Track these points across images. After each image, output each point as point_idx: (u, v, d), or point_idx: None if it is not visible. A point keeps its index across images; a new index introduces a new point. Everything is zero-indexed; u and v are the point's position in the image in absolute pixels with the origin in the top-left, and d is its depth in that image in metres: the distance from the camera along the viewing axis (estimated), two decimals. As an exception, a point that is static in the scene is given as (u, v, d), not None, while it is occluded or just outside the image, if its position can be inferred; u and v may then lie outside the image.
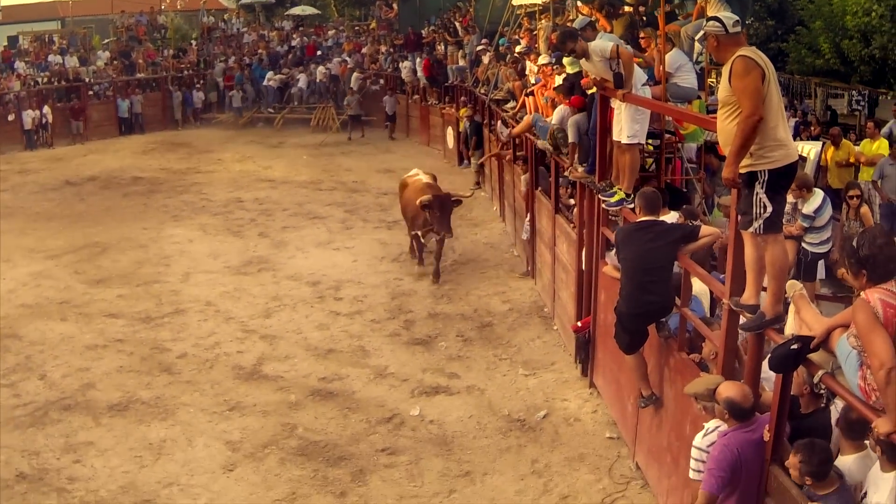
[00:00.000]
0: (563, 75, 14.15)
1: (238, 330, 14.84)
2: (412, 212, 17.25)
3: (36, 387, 12.67)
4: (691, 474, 7.39)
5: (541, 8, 21.27)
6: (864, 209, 11.82)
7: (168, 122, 37.81)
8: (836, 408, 6.82)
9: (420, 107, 33.63)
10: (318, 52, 40.70)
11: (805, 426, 6.92)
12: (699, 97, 11.68)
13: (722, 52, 6.70)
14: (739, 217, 6.73)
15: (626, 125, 10.31)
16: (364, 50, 39.37)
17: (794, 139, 9.77)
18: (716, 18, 6.73)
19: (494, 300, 15.95)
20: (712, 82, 12.35)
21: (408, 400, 12.24)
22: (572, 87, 13.19)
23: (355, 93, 35.14)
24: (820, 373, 5.86)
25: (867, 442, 5.99)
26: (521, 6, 22.91)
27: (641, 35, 12.19)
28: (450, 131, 29.15)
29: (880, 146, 15.58)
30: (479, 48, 26.24)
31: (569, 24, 14.47)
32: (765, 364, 6.80)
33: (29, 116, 33.06)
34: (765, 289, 6.83)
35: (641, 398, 9.40)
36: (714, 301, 9.08)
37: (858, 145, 16.08)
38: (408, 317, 15.28)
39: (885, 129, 16.77)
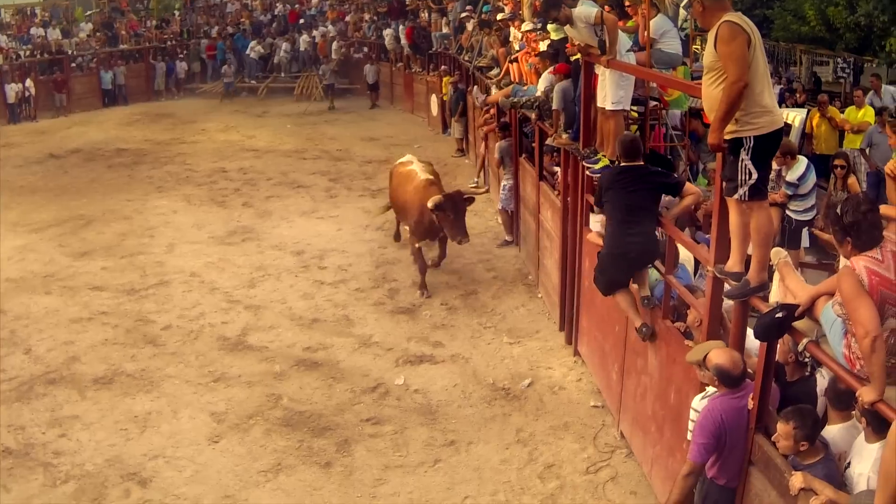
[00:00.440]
0: (548, 42, 14.08)
1: (223, 300, 14.80)
2: (414, 214, 15.03)
3: (21, 361, 12.62)
4: (689, 435, 7.42)
5: (525, -26, 21.12)
6: (852, 179, 11.77)
7: (152, 94, 37.60)
8: (822, 376, 6.82)
9: (404, 74, 33.48)
10: (301, 20, 40.41)
11: (790, 394, 6.94)
12: (684, 63, 11.61)
13: (707, 17, 6.62)
14: (724, 184, 6.67)
15: (611, 91, 10.24)
16: (347, 18, 39.15)
17: (779, 106, 9.70)
18: (701, -16, 6.65)
19: (478, 268, 15.93)
20: (697, 49, 12.26)
21: (392, 369, 12.23)
22: (557, 53, 13.13)
23: (330, 61, 34.98)
24: (804, 341, 5.85)
25: (854, 412, 5.98)
26: (504, -28, 22.74)
27: (626, 2, 12.09)
28: (434, 99, 29.03)
29: (866, 114, 15.53)
30: (463, 15, 26.07)
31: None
32: (750, 332, 6.78)
33: (12, 90, 32.84)
34: (749, 256, 6.80)
35: (637, 329, 9.35)
36: (698, 264, 9.04)
37: (843, 112, 16.04)
38: (392, 285, 15.25)
39: (868, 98, 16.71)
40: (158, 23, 40.64)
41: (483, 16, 23.61)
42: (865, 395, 5.15)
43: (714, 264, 7.21)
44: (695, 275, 9.15)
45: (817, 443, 5.96)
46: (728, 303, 7.36)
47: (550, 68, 13.46)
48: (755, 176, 6.42)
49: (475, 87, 20.76)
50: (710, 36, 6.54)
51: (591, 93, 10.93)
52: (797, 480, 5.81)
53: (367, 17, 38.21)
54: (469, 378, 11.93)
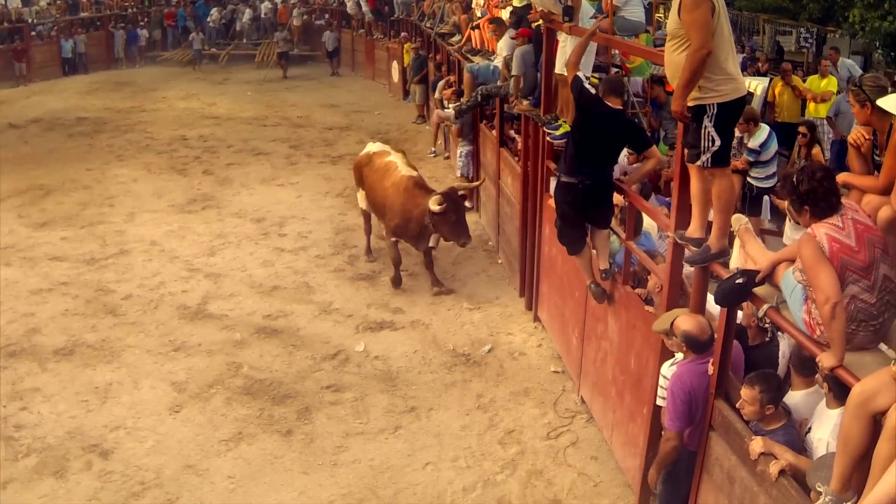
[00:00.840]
0: (510, 9, 14.03)
1: (183, 269, 14.71)
2: (395, 216, 13.34)
3: (-20, 334, 12.49)
4: (658, 401, 7.49)
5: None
6: (816, 150, 11.76)
7: (112, 62, 37.29)
8: (786, 341, 6.85)
9: (365, 41, 33.47)
10: (264, -15, 40.09)
11: (752, 358, 6.98)
12: (647, 31, 11.61)
13: (671, -16, 6.59)
14: (687, 150, 6.66)
15: (570, 56, 10.19)
16: (310, -17, 38.91)
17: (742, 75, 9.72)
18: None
19: (438, 234, 15.86)
20: (660, 16, 12.28)
21: (352, 336, 12.21)
22: (520, 20, 13.07)
23: (284, 29, 34.77)
24: (765, 307, 5.86)
25: (817, 377, 6.01)
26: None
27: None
28: (395, 66, 29.00)
29: (829, 83, 15.59)
30: (425, -20, 26.02)
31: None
32: (710, 298, 6.80)
33: (-29, 60, 32.33)
34: (710, 222, 6.80)
35: (591, 284, 9.35)
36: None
37: (805, 81, 16.08)
38: (352, 252, 15.21)
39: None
40: (119, -10, 40.14)
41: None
42: (825, 360, 5.17)
43: (675, 230, 7.21)
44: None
45: (780, 408, 5.99)
46: (689, 269, 7.37)
47: (512, 32, 13.39)
48: (718, 143, 6.41)
49: (438, 108, 20.36)
50: (674, 3, 6.51)
51: (552, 60, 10.88)
52: (757, 445, 5.85)
53: (329, -19, 38.01)
54: (429, 344, 11.93)
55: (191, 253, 15.42)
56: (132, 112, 28.31)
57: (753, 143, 10.93)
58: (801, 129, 12.00)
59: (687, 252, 7.02)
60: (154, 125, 26.26)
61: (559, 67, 10.40)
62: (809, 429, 5.90)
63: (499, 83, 13.94)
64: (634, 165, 9.86)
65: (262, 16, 37.72)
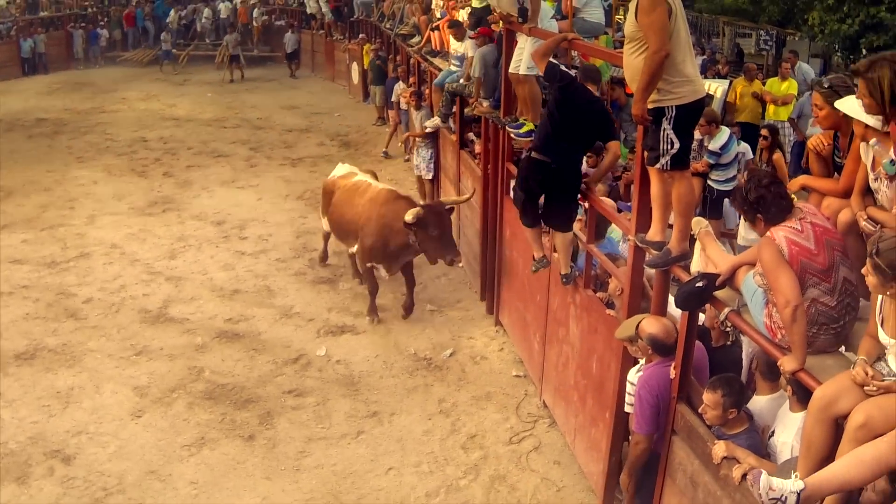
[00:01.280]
0: (469, 9, 14.02)
1: (143, 272, 14.60)
2: (370, 234, 12.22)
3: (-60, 339, 12.32)
4: (626, 408, 7.49)
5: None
6: (778, 156, 11.75)
7: (72, 62, 37.06)
8: (748, 343, 6.86)
9: (325, 42, 33.49)
10: (223, -15, 39.97)
11: (716, 360, 6.99)
12: (606, 33, 11.63)
13: (629, -14, 6.59)
14: (646, 153, 6.66)
15: (527, 57, 10.13)
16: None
17: (702, 77, 9.74)
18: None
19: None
20: (620, 18, 12.30)
21: (314, 340, 12.16)
22: (479, 20, 13.04)
23: (235, 31, 34.70)
24: (726, 310, 5.86)
25: (781, 381, 6.03)
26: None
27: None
28: (355, 67, 28.97)
29: (790, 86, 15.70)
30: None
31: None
32: (672, 301, 6.80)
33: (-71, 60, 32.02)
34: (671, 226, 6.80)
35: (534, 261, 9.32)
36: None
37: (765, 84, 16.18)
38: (313, 255, 15.14)
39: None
40: (78, -10, 39.88)
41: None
42: (786, 364, 5.18)
43: (635, 233, 7.21)
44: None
45: (742, 413, 6.00)
46: (650, 272, 7.37)
47: (471, 32, 13.37)
48: (677, 145, 6.41)
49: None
50: (632, 6, 6.51)
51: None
52: (720, 449, 5.85)
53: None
54: (391, 348, 11.90)
55: (152, 256, 15.32)
56: (92, 113, 28.17)
57: (714, 145, 10.96)
58: (763, 131, 12.03)
59: (648, 255, 7.02)
60: (114, 126, 26.14)
61: (513, 67, 10.37)
62: (773, 432, 5.92)
63: (462, 81, 13.91)
64: (593, 169, 9.85)
65: (222, 16, 37.54)
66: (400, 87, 20.00)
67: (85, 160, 22.21)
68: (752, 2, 25.68)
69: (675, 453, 6.65)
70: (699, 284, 5.88)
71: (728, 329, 7.15)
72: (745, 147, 11.37)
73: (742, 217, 5.68)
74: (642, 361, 7.21)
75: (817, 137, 6.20)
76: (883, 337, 4.61)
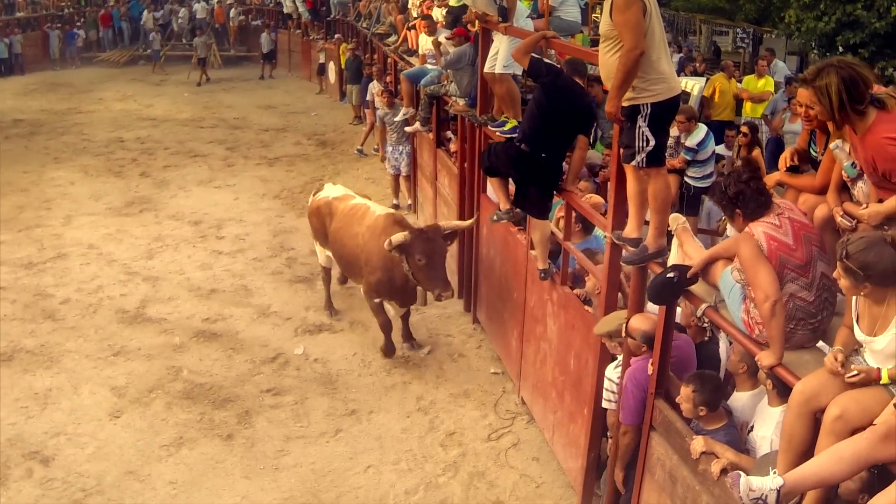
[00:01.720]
0: (446, 8, 14.02)
1: (121, 272, 14.57)
2: (376, 268, 11.01)
3: (-83, 341, 12.25)
4: (604, 404, 7.50)
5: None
6: (756, 152, 11.81)
7: (48, 62, 36.90)
8: (725, 339, 6.88)
9: (302, 42, 33.46)
10: (200, -15, 39.87)
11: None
12: (582, 31, 11.64)
13: (603, -15, 6.60)
14: (622, 150, 6.65)
15: (503, 56, 10.13)
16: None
17: (678, 75, 9.75)
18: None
19: (377, 236, 15.79)
20: (596, 16, 12.31)
21: (292, 339, 12.17)
22: (456, 20, 13.04)
23: (204, 33, 34.61)
24: (703, 306, 5.87)
25: (760, 374, 6.05)
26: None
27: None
28: (331, 66, 28.92)
29: (766, 83, 15.76)
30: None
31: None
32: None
33: None
34: (647, 223, 6.81)
35: (498, 210, 9.27)
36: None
37: (742, 82, 16.24)
38: (290, 254, 15.18)
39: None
40: (55, -10, 39.70)
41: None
42: (764, 359, 5.20)
43: (612, 230, 7.22)
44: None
45: (721, 409, 6.03)
46: (627, 269, 7.38)
47: (447, 33, 13.37)
48: (652, 143, 6.41)
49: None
50: (606, 4, 6.52)
51: (488, 60, 10.88)
52: (698, 444, 5.87)
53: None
54: (368, 346, 11.89)
55: (129, 256, 15.28)
56: (69, 113, 28.12)
57: (691, 141, 10.96)
58: (743, 128, 12.08)
59: (624, 252, 7.03)
60: (91, 127, 26.10)
61: (488, 67, 10.37)
62: (752, 427, 5.94)
63: (441, 81, 13.90)
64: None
65: (198, 17, 37.45)
66: (375, 86, 19.98)
67: (62, 161, 22.16)
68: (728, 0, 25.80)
69: (654, 449, 6.65)
70: (670, 275, 5.89)
71: (705, 325, 7.17)
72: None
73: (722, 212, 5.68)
74: (620, 357, 7.23)
75: (791, 149, 6.28)
76: (859, 334, 4.63)
